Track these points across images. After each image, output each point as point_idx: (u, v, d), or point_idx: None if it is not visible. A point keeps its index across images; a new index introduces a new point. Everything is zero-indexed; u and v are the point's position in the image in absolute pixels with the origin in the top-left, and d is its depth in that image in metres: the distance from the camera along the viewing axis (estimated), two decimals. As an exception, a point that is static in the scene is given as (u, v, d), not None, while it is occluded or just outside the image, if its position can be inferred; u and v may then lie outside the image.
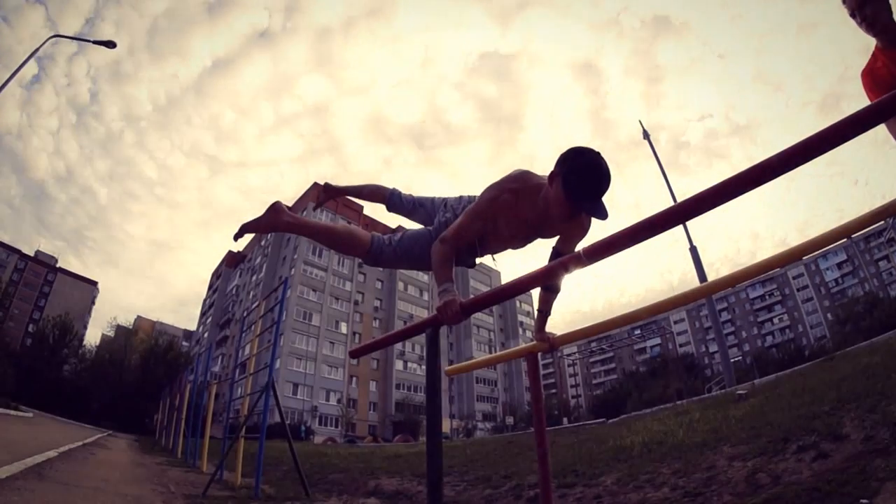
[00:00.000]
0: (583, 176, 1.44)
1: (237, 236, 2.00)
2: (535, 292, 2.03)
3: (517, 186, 1.68)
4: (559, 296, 2.07)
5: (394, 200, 2.19)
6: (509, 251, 2.14)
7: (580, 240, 1.79)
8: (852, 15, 2.06)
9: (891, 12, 2.01)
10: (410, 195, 2.21)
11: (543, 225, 1.77)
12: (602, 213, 1.45)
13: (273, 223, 1.97)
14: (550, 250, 1.90)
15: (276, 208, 1.99)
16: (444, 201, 2.06)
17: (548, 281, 1.57)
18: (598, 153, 1.46)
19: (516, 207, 1.70)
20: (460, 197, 2.03)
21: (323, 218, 50.69)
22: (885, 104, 0.87)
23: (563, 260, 1.33)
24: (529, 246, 1.99)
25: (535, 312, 2.16)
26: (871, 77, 2.10)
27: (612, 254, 1.26)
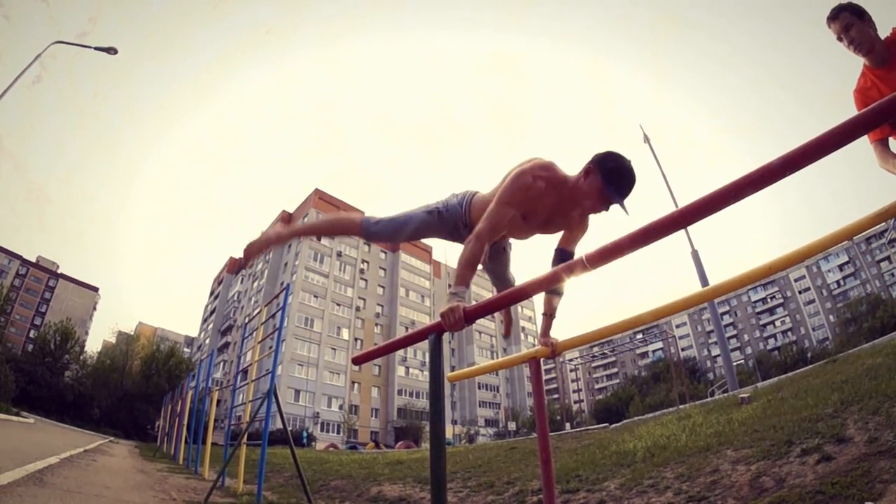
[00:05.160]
0: (621, 174, 1.62)
1: (247, 261, 2.21)
2: (538, 297, 2.05)
3: (548, 175, 1.74)
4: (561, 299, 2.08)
5: (370, 230, 2.07)
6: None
7: (581, 237, 1.94)
8: (839, 38, 2.11)
9: (875, 31, 2.07)
10: (388, 218, 2.09)
11: (558, 217, 1.85)
12: (627, 210, 1.63)
13: (270, 240, 2.16)
14: (553, 251, 1.93)
15: (271, 230, 2.20)
16: (440, 202, 2.05)
17: (551, 286, 1.58)
18: (630, 160, 1.65)
19: (544, 196, 1.75)
20: (457, 193, 2.05)
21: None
22: (883, 108, 0.88)
23: (567, 265, 1.34)
24: (529, 249, 2.04)
25: (540, 316, 2.17)
26: (862, 95, 2.16)
27: (614, 259, 1.26)
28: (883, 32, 2.11)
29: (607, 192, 1.62)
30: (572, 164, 1.78)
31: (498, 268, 2.24)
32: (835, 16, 2.09)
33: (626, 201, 1.62)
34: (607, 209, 1.69)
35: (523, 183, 1.73)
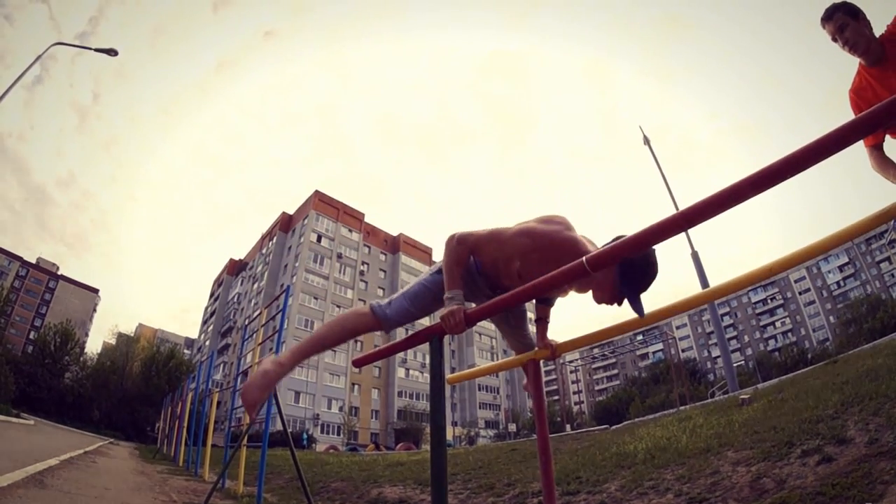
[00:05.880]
0: (639, 273, 1.43)
1: (252, 410, 1.82)
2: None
3: (558, 256, 1.54)
4: (558, 300, 2.07)
5: (385, 314, 1.84)
6: None
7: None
8: (834, 39, 2.08)
9: (871, 30, 2.03)
10: (399, 294, 1.90)
11: (559, 291, 1.75)
12: (642, 311, 1.46)
13: (270, 377, 1.76)
14: None
15: (267, 362, 1.82)
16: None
17: (551, 291, 1.57)
18: (654, 251, 1.44)
19: (543, 268, 1.60)
20: None
21: (324, 227, 50.75)
22: (880, 112, 0.88)
23: (567, 268, 1.33)
24: None
25: (535, 322, 2.15)
26: (857, 96, 2.14)
27: (615, 262, 1.27)
28: (878, 31, 2.05)
29: (621, 290, 1.45)
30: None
31: (515, 323, 2.07)
32: (829, 16, 2.04)
33: (644, 295, 1.44)
34: (620, 304, 1.50)
35: (523, 244, 1.63)
